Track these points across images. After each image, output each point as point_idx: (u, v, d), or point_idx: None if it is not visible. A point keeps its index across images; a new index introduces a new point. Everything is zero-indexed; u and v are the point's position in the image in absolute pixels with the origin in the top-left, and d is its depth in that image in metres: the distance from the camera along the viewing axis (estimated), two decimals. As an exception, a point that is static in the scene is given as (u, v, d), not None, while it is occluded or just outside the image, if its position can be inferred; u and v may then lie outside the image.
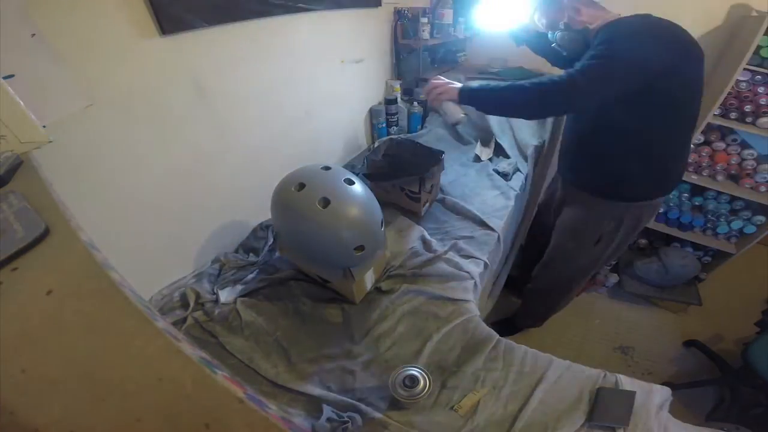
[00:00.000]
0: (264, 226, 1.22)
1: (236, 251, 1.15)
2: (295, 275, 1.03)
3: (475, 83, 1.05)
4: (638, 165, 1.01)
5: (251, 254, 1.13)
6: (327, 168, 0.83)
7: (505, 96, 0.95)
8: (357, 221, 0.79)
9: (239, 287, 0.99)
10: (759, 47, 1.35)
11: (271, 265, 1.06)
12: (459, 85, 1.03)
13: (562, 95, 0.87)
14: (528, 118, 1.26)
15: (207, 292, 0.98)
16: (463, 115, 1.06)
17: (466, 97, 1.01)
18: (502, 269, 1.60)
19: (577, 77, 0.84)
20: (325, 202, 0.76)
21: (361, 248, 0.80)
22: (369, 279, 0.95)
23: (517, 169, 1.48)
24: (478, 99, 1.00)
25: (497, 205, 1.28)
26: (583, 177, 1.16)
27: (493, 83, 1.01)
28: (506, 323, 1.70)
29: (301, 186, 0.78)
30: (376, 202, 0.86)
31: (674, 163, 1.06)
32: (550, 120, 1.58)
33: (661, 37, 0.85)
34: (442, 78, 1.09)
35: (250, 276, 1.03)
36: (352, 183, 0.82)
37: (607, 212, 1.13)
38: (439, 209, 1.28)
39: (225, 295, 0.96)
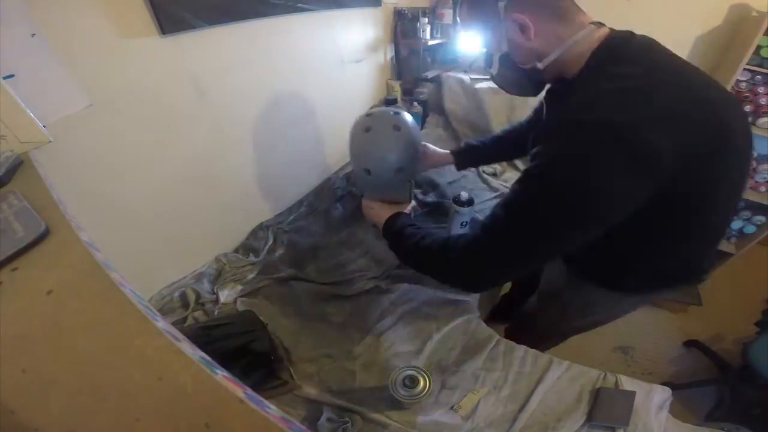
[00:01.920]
0: (264, 227, 1.22)
1: (236, 251, 1.15)
2: (296, 275, 1.03)
3: (402, 227, 0.75)
4: (649, 265, 0.69)
5: (251, 254, 1.13)
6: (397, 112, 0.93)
7: (410, 253, 0.71)
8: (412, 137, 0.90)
9: (239, 287, 0.99)
10: (759, 47, 1.35)
11: (271, 265, 1.06)
12: (384, 218, 0.79)
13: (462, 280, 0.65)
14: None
15: (207, 292, 0.98)
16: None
17: (386, 230, 0.78)
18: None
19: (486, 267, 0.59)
20: (396, 128, 0.88)
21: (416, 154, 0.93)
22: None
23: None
24: (391, 241, 0.77)
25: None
26: (577, 262, 0.80)
27: (420, 235, 0.69)
28: (500, 313, 1.48)
29: (367, 129, 0.90)
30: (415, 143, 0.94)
31: (694, 259, 0.71)
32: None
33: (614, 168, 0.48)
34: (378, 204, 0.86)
35: (250, 276, 1.03)
36: (398, 112, 0.93)
37: (603, 296, 0.80)
38: (438, 211, 1.27)
39: (225, 295, 0.96)
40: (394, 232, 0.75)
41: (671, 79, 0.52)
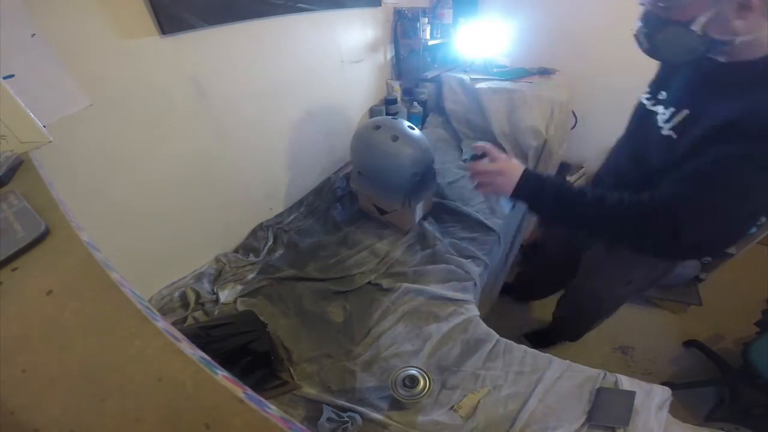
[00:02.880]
0: (264, 227, 1.22)
1: (236, 251, 1.15)
2: (296, 274, 1.03)
3: (541, 177, 0.74)
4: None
5: (251, 254, 1.13)
6: (395, 117, 1.14)
7: (592, 219, 0.69)
8: (416, 154, 1.04)
9: (239, 287, 0.99)
10: (759, 47, 1.35)
11: (271, 265, 1.06)
12: (517, 173, 0.73)
13: (670, 237, 0.62)
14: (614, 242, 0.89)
15: (207, 292, 0.98)
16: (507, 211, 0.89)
17: (522, 198, 0.74)
18: (502, 269, 1.60)
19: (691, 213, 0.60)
20: (394, 138, 1.02)
21: (417, 174, 1.03)
22: (419, 211, 1.14)
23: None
24: (545, 207, 0.73)
25: (496, 206, 1.28)
26: None
27: (559, 187, 0.71)
28: (540, 336, 1.60)
29: (377, 127, 1.04)
30: (429, 146, 1.09)
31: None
32: (552, 121, 1.57)
33: None
34: (494, 154, 0.78)
35: (250, 276, 1.03)
36: (413, 128, 1.06)
37: (641, 259, 0.90)
38: (438, 211, 1.28)
39: (225, 296, 0.96)
40: (544, 191, 0.72)
41: None
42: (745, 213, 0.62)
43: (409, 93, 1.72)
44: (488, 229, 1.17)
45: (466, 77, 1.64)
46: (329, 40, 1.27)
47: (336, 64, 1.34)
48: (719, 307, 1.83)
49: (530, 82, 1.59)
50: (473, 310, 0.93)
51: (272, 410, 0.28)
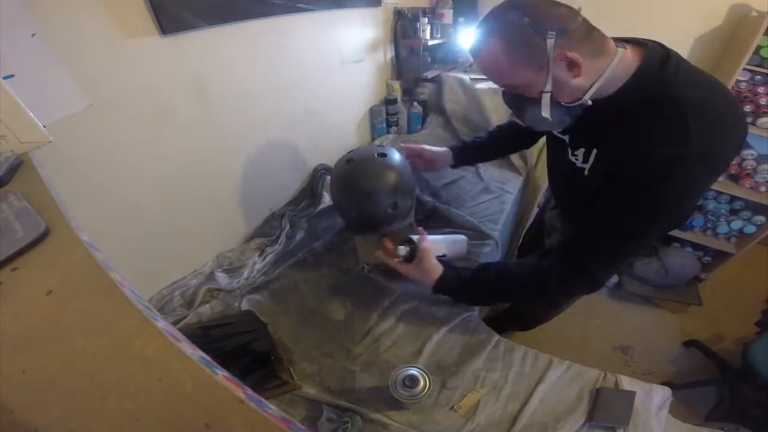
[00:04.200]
0: (278, 215, 1.25)
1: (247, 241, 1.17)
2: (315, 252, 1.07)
3: (454, 278, 0.78)
4: None
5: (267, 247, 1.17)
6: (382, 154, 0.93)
7: (497, 295, 0.80)
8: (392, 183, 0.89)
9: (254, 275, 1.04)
10: (759, 47, 1.35)
11: (290, 252, 1.10)
12: (435, 275, 0.77)
13: (576, 290, 0.71)
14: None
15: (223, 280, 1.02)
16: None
17: (451, 295, 0.80)
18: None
19: (597, 272, 0.66)
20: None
21: (395, 206, 0.88)
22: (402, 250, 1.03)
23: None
24: (464, 296, 0.82)
25: (492, 209, 1.27)
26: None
27: (476, 281, 0.77)
28: (491, 322, 1.61)
29: (349, 161, 0.91)
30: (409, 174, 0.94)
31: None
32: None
33: (711, 163, 0.55)
34: (421, 240, 0.79)
35: (258, 266, 1.07)
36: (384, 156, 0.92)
37: None
38: (433, 215, 1.25)
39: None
40: (455, 286, 0.77)
41: (721, 90, 0.58)
42: (646, 245, 0.67)
43: (409, 93, 1.72)
44: (484, 235, 1.16)
45: (466, 77, 1.64)
46: (329, 40, 1.27)
47: (336, 64, 1.34)
48: (719, 307, 1.83)
49: (530, 82, 1.58)
50: (473, 311, 0.93)
51: (272, 410, 0.28)
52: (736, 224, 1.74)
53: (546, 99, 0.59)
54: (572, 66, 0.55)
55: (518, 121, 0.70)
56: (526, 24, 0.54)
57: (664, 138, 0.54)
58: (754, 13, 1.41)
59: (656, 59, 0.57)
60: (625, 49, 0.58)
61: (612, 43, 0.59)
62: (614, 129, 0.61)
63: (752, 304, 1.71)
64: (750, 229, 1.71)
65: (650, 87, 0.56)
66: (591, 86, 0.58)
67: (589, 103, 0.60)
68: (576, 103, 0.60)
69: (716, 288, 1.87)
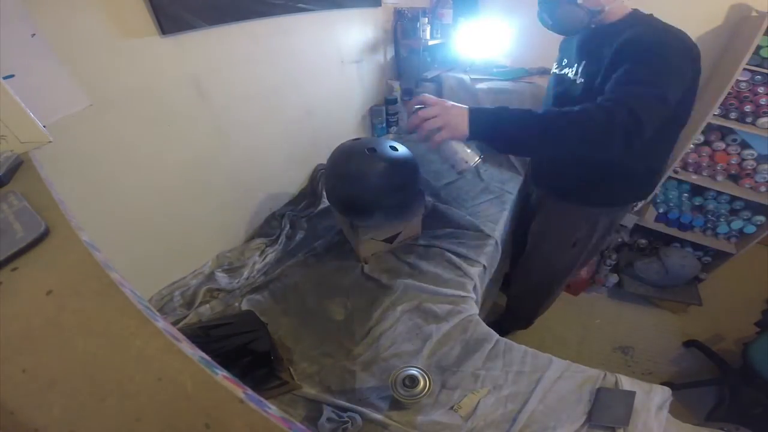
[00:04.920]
0: (278, 215, 1.25)
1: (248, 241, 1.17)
2: (306, 259, 1.06)
3: (488, 107, 0.72)
4: (621, 172, 0.93)
5: (267, 247, 1.17)
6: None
7: (558, 131, 0.67)
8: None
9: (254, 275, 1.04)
10: (759, 47, 1.35)
11: (290, 252, 1.11)
12: (465, 110, 0.70)
13: (624, 135, 0.65)
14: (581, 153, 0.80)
15: (223, 280, 1.02)
16: (478, 159, 0.74)
17: (482, 132, 0.69)
18: (501, 269, 1.60)
19: (635, 106, 0.64)
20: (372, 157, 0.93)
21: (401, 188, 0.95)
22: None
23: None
24: (502, 136, 0.70)
25: (492, 209, 1.28)
26: (558, 183, 1.09)
27: (513, 110, 0.70)
28: (493, 326, 1.65)
29: (372, 150, 0.94)
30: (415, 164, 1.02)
31: (659, 168, 1.01)
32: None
33: (687, 46, 0.75)
34: (430, 99, 0.72)
35: (258, 266, 1.07)
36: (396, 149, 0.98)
37: (582, 217, 1.08)
38: (434, 215, 1.25)
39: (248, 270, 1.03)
40: (496, 120, 0.70)
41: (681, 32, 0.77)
42: (674, 89, 0.71)
43: (409, 93, 1.72)
44: (484, 234, 1.16)
45: (466, 77, 1.64)
46: (329, 40, 1.27)
47: (336, 64, 1.34)
48: (719, 307, 1.83)
49: (530, 82, 1.59)
50: (473, 310, 0.93)
51: (272, 410, 0.28)
52: (736, 224, 1.74)
53: None
54: None
55: (546, 20, 0.88)
56: None
57: (652, 31, 0.77)
58: (754, 13, 1.41)
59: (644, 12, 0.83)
60: None
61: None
62: (609, 43, 0.79)
63: (752, 304, 1.71)
64: (750, 229, 1.71)
65: (641, 19, 0.82)
66: (605, 5, 0.81)
67: (607, 8, 0.81)
68: (597, 8, 0.81)
69: (716, 288, 1.87)
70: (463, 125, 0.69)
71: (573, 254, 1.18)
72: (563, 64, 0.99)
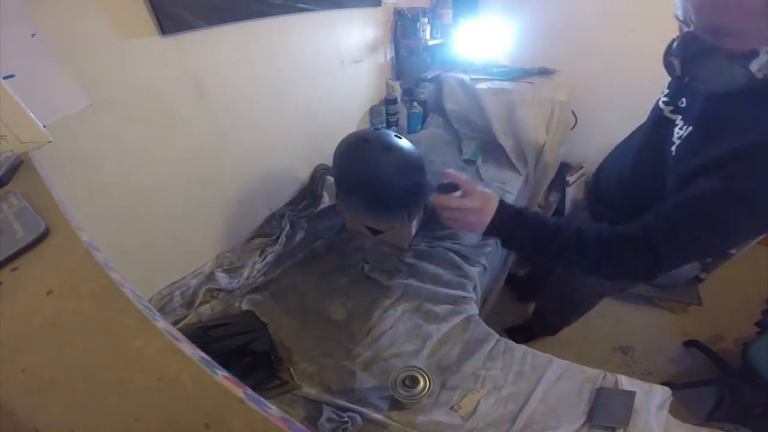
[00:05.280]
0: (278, 215, 1.25)
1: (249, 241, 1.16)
2: (306, 259, 1.07)
3: (517, 212, 0.67)
4: None
5: (267, 246, 1.17)
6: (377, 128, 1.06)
7: (570, 254, 0.64)
8: (412, 163, 0.98)
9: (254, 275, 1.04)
10: (759, 47, 1.35)
11: (289, 252, 1.10)
12: (491, 213, 0.65)
13: (649, 266, 0.61)
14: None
15: (223, 280, 1.02)
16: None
17: (500, 235, 0.67)
18: (501, 270, 1.60)
19: (661, 257, 0.59)
20: (386, 150, 0.94)
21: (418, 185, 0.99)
22: (415, 225, 1.11)
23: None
24: (518, 245, 0.67)
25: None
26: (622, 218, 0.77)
27: (547, 223, 0.66)
28: (519, 330, 1.63)
29: (365, 140, 0.96)
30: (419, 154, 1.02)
31: None
32: (552, 121, 1.57)
33: None
34: (463, 184, 0.67)
35: (259, 266, 1.07)
36: (399, 137, 0.99)
37: None
38: (434, 216, 1.25)
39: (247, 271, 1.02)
40: (519, 229, 0.65)
41: None
42: (723, 246, 0.63)
43: (409, 93, 1.72)
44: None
45: (466, 77, 1.64)
46: (329, 40, 1.27)
47: (336, 64, 1.34)
48: (719, 307, 1.83)
49: (530, 82, 1.58)
50: (473, 310, 0.93)
51: (272, 410, 0.28)
52: (736, 224, 1.73)
53: (763, 59, 0.50)
54: None
55: (677, 68, 0.61)
56: None
57: None
58: (754, 13, 1.41)
59: None
60: None
61: None
62: (726, 112, 0.57)
63: (752, 304, 1.71)
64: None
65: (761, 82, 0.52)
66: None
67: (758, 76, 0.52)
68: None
69: (716, 288, 1.87)
70: (479, 228, 0.66)
71: (607, 286, 1.07)
72: (679, 104, 0.70)
